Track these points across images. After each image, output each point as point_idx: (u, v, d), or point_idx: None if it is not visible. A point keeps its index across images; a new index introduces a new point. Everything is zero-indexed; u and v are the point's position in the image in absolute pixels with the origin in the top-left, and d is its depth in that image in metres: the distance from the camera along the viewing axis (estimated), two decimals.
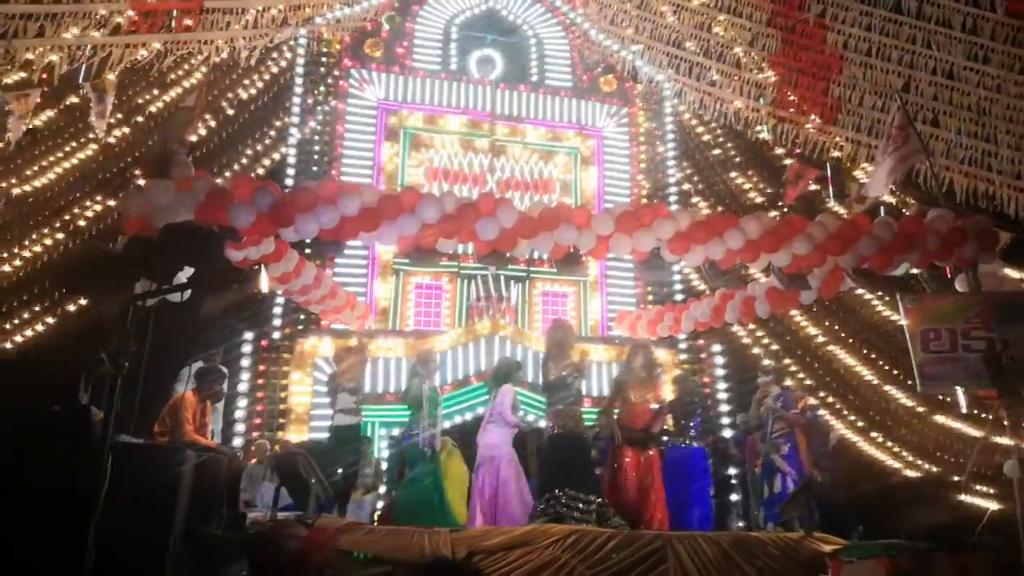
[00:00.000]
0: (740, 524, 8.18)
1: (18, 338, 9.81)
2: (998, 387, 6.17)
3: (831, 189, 10.86)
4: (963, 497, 7.39)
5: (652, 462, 7.07)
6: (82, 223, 10.25)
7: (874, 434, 11.46)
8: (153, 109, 10.48)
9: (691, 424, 7.68)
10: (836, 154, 11.05)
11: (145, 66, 9.75)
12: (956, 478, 9.10)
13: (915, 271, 7.29)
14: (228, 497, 6.19)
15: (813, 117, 11.16)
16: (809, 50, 11.15)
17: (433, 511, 6.54)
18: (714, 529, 7.06)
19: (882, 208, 10.18)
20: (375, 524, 7.02)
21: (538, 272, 11.10)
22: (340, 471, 7.12)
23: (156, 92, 10.76)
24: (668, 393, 8.11)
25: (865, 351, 12.27)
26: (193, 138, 8.44)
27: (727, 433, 9.94)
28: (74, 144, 10.49)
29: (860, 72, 10.82)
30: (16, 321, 9.91)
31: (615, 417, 7.28)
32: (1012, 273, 9.21)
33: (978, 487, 7.90)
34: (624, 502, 6.78)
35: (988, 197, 9.81)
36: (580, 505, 6.35)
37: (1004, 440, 6.30)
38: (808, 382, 12.38)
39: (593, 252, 7.11)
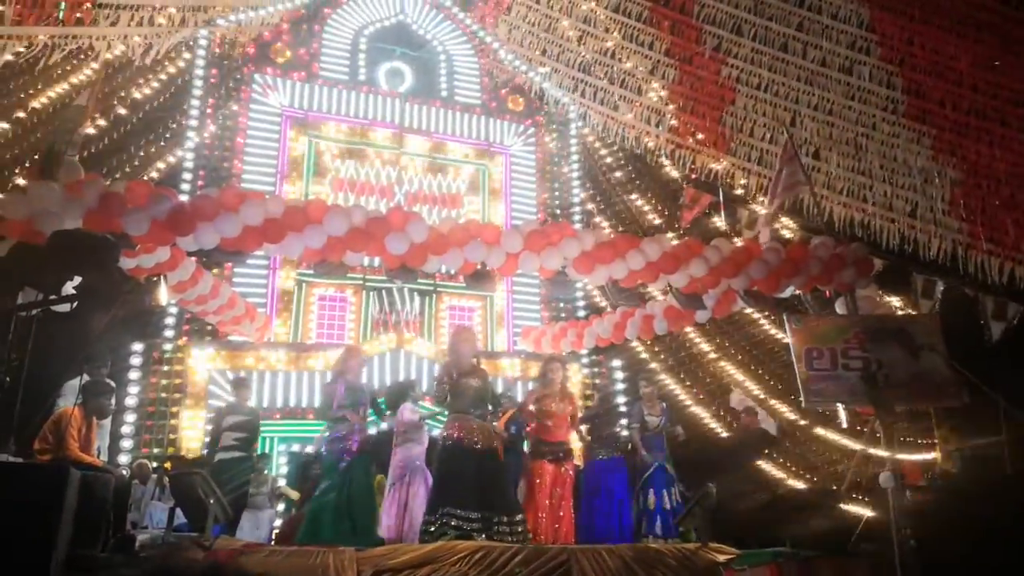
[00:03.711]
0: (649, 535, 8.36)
1: None
2: (873, 403, 6.69)
3: (723, 214, 11.45)
4: (842, 505, 7.91)
5: (567, 477, 7.14)
6: None
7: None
8: (37, 105, 9.73)
9: (610, 435, 7.86)
10: (729, 181, 11.63)
11: (29, 60, 9.06)
12: (835, 487, 9.71)
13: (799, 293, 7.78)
14: (115, 518, 5.88)
15: (707, 145, 11.72)
16: (705, 81, 11.70)
17: (341, 524, 6.29)
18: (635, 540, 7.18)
19: (770, 234, 10.79)
20: (274, 544, 6.80)
21: (445, 286, 11.09)
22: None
23: (40, 87, 10.02)
24: (587, 406, 8.17)
25: (752, 367, 12.98)
26: (84, 137, 7.91)
27: None
28: None
29: (751, 104, 11.45)
30: None
31: (537, 435, 7.24)
32: (885, 298, 9.98)
33: (856, 496, 8.48)
34: (538, 517, 6.84)
35: (864, 226, 10.56)
36: (492, 522, 6.09)
37: (880, 452, 6.81)
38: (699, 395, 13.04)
39: (502, 269, 7.19)
